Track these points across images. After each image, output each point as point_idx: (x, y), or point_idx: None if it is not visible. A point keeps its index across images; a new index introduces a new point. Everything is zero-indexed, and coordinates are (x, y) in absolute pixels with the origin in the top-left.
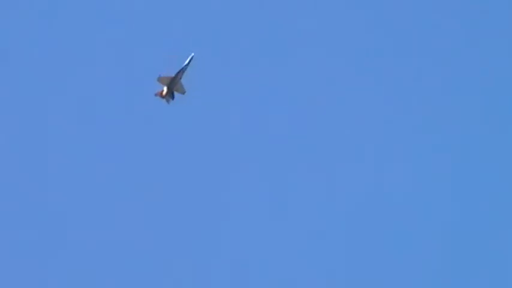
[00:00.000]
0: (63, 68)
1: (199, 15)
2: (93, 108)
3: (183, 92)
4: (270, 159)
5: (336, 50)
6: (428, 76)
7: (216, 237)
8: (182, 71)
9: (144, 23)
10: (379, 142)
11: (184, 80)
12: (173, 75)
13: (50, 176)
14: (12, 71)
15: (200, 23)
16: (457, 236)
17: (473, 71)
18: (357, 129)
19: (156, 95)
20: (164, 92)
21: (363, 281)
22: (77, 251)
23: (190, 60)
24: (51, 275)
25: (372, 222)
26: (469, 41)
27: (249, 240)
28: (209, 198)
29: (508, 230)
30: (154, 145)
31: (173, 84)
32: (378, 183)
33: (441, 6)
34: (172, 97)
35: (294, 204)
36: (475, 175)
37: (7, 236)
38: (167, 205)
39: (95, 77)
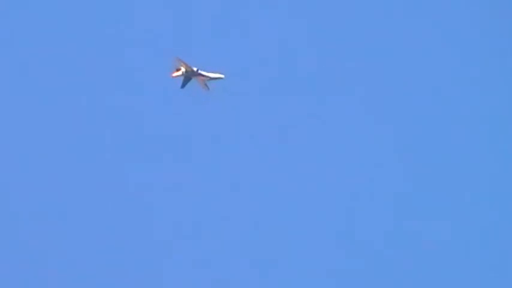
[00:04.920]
0: None
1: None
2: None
3: (206, 89)
4: None
5: None
6: None
7: None
8: (203, 75)
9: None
10: None
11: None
12: (195, 69)
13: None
14: None
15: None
16: None
17: None
18: None
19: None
20: (179, 72)
21: None
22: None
23: (216, 78)
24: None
25: None
26: None
27: None
28: None
29: None
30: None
31: (192, 75)
32: None
33: None
34: (186, 82)
35: None
36: None
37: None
38: None
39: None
